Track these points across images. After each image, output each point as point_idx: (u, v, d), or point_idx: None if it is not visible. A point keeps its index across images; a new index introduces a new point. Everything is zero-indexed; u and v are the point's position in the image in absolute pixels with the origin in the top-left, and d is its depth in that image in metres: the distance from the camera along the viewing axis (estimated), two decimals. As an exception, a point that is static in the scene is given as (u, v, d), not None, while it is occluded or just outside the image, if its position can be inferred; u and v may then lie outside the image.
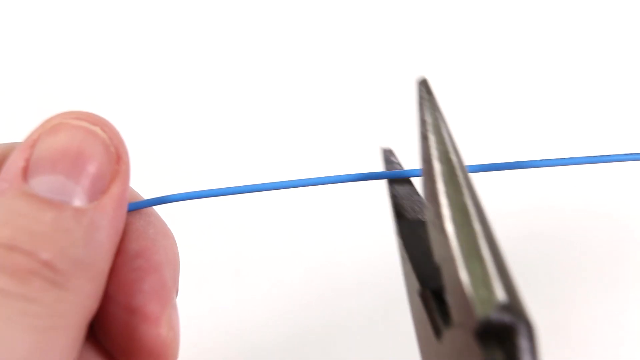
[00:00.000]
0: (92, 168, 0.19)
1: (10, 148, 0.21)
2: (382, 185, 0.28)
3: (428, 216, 0.22)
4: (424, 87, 0.23)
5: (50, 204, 0.19)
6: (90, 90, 0.52)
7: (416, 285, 0.23)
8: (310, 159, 0.50)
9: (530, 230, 0.48)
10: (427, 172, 0.22)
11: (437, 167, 0.22)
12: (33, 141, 0.20)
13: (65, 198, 0.19)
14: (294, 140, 0.50)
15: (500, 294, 0.18)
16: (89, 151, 0.19)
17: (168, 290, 0.21)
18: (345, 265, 0.46)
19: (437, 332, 0.22)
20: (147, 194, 0.23)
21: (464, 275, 0.19)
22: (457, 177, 0.21)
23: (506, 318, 0.18)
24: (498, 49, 0.55)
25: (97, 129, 0.20)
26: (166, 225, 0.22)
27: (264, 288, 0.45)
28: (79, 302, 0.18)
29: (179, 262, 0.22)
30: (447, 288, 0.20)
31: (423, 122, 0.23)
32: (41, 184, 0.19)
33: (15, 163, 0.19)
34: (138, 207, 0.22)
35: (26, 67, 0.53)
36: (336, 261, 0.46)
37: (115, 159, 0.20)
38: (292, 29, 0.54)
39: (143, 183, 0.25)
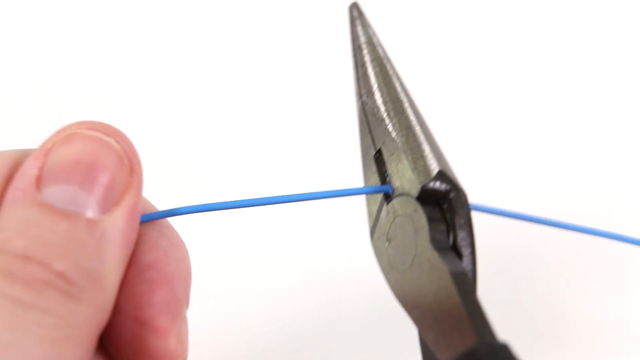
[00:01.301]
0: (105, 179, 0.19)
1: (22, 154, 0.20)
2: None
3: (368, 110, 0.26)
4: (356, 8, 0.27)
5: (64, 215, 0.18)
6: (100, 100, 0.52)
7: (372, 149, 0.26)
8: (312, 172, 0.50)
9: (531, 232, 0.49)
10: (363, 75, 0.26)
11: (371, 70, 0.26)
12: (47, 150, 0.20)
13: (78, 209, 0.19)
14: (298, 156, 0.51)
15: (435, 166, 0.23)
16: (103, 162, 0.19)
17: (179, 303, 0.21)
18: (344, 274, 0.46)
19: (386, 197, 0.25)
20: (156, 206, 0.23)
21: (406, 153, 0.23)
22: (390, 76, 0.25)
23: (442, 186, 0.23)
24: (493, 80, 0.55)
25: (111, 140, 0.20)
26: (179, 236, 0.22)
27: (263, 296, 0.45)
28: (91, 314, 0.18)
29: (190, 273, 0.22)
30: (389, 167, 0.24)
31: (356, 36, 0.27)
32: (55, 193, 0.19)
33: (28, 171, 0.19)
34: (149, 219, 0.22)
35: (26, 67, 0.53)
36: (334, 270, 0.46)
37: (129, 170, 0.20)
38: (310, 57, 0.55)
39: (151, 195, 0.25)
